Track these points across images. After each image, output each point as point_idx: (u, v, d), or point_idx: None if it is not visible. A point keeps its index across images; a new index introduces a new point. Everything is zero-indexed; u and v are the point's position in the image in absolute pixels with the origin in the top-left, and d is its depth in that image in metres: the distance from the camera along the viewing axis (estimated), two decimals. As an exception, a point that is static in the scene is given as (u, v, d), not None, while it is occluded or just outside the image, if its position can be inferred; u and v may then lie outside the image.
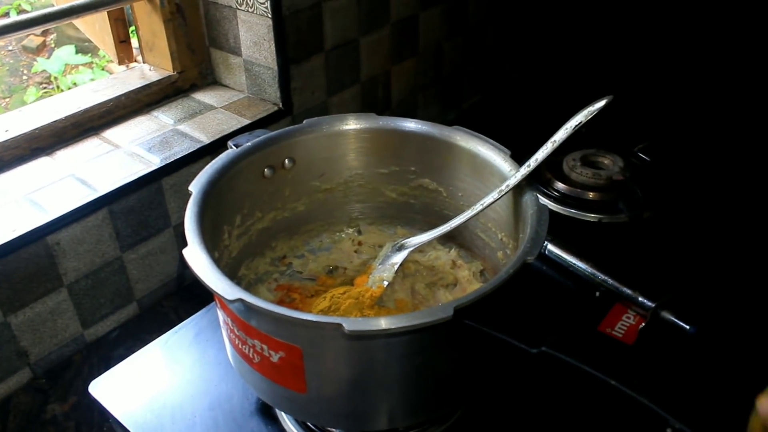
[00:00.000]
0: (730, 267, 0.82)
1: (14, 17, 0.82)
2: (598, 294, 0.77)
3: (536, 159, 0.59)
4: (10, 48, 2.86)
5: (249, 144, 0.65)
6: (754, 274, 0.80)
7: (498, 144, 0.65)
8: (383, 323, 0.47)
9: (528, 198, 0.59)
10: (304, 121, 0.69)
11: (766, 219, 0.89)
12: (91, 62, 2.64)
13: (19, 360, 0.78)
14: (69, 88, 2.65)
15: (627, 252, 0.85)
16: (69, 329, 0.81)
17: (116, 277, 0.84)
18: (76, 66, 2.64)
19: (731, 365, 0.69)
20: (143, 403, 0.67)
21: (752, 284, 0.79)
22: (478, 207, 0.61)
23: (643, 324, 0.73)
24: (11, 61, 2.83)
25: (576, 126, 0.57)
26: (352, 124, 0.69)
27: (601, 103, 0.56)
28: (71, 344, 0.82)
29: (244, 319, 0.52)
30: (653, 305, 0.73)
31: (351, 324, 0.46)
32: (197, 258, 0.52)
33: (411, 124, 0.69)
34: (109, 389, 0.68)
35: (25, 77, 2.76)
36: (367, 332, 0.47)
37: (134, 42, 1.04)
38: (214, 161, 0.63)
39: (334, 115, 0.69)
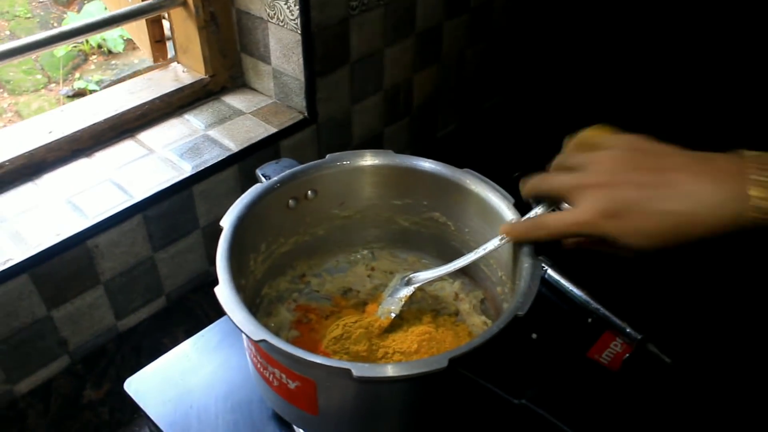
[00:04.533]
0: (716, 303, 0.88)
1: (57, 29, 0.87)
2: (590, 320, 0.84)
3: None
4: (41, 0, 2.90)
5: (275, 179, 0.71)
6: (740, 311, 0.86)
7: (504, 191, 0.70)
8: (388, 371, 0.54)
9: (525, 249, 0.64)
10: (327, 156, 0.74)
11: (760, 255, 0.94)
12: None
13: (60, 348, 0.86)
14: (98, 45, 2.71)
15: (620, 280, 0.90)
16: (104, 321, 0.89)
17: (148, 274, 0.92)
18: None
19: (709, 400, 0.76)
20: (173, 402, 0.74)
21: (737, 321, 0.85)
22: (480, 251, 0.67)
23: (629, 354, 0.79)
24: (42, 14, 2.87)
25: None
26: (369, 160, 0.75)
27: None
28: (105, 334, 0.90)
29: (267, 352, 0.59)
30: (639, 337, 0.79)
31: (359, 370, 0.53)
32: (227, 298, 0.59)
33: (425, 164, 0.74)
34: (142, 387, 0.76)
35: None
36: (373, 378, 0.54)
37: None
38: (243, 196, 0.69)
39: (354, 151, 0.74)
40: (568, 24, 1.38)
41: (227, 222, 0.66)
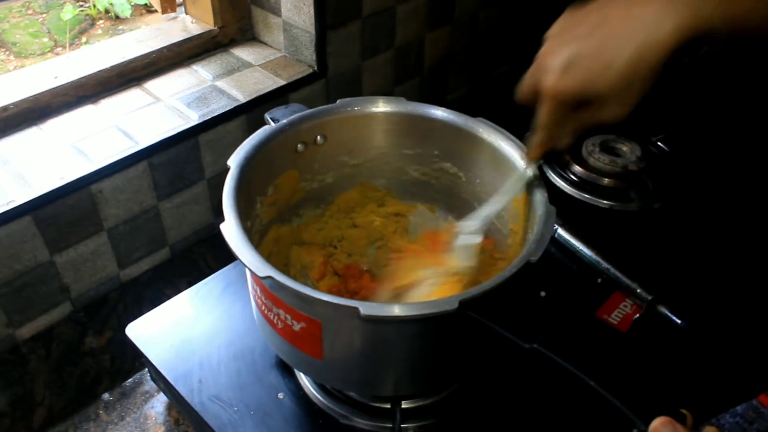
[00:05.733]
0: (727, 266, 0.86)
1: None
2: (599, 281, 0.82)
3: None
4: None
5: (285, 122, 0.69)
6: (750, 275, 0.85)
7: (518, 141, 0.68)
8: (396, 310, 0.53)
9: (539, 198, 0.63)
10: (338, 101, 0.73)
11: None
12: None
13: (62, 294, 0.85)
14: (105, 9, 2.68)
15: (632, 241, 0.89)
16: (107, 269, 0.88)
17: (152, 224, 0.90)
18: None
19: (717, 361, 0.75)
20: (175, 349, 0.73)
21: (747, 285, 0.83)
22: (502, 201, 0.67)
23: (639, 314, 0.78)
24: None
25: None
26: (381, 106, 0.73)
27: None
28: (108, 283, 0.89)
29: (272, 291, 0.58)
30: (650, 298, 0.78)
31: (366, 309, 0.52)
32: (233, 234, 0.57)
33: (438, 112, 0.73)
34: (144, 333, 0.75)
35: (62, -6, 2.78)
36: (381, 317, 0.53)
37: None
38: (251, 137, 0.68)
39: (366, 97, 0.73)
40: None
41: (234, 161, 0.65)
